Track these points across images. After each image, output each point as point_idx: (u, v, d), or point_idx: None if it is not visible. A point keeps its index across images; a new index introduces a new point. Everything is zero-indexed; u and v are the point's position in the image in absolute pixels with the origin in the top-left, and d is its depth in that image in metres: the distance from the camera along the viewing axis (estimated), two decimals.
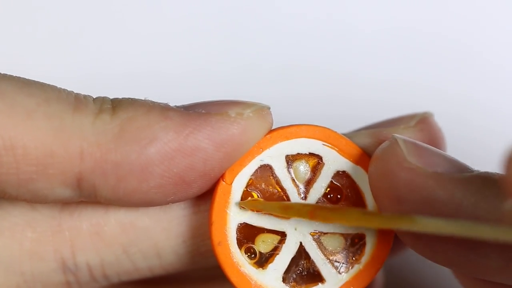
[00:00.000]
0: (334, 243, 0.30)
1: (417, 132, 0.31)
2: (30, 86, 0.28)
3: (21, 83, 0.28)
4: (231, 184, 0.29)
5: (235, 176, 0.29)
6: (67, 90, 0.28)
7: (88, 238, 0.30)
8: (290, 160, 0.30)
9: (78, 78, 0.44)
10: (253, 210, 0.30)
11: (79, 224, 0.30)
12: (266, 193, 0.30)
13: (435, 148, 0.29)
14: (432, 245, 0.28)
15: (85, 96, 0.28)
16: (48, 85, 0.28)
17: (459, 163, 0.28)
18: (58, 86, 0.29)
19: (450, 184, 0.27)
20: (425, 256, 0.29)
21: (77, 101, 0.28)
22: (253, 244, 0.30)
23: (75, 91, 0.29)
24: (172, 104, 0.29)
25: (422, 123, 0.31)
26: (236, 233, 0.30)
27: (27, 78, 0.28)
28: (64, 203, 0.30)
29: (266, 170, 0.30)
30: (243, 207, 0.29)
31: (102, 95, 0.29)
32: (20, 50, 0.45)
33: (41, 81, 0.28)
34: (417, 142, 0.29)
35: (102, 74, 0.44)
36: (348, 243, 0.30)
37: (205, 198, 0.30)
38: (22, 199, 0.28)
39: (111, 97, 0.29)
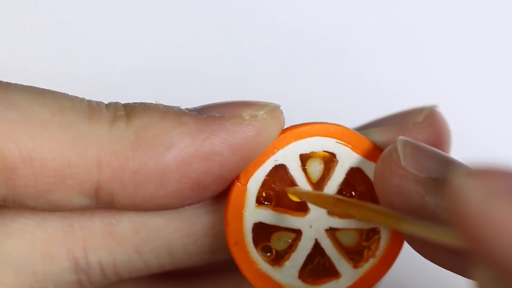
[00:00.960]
0: (348, 238, 0.30)
1: (426, 127, 0.31)
2: (43, 96, 0.27)
3: (34, 93, 0.27)
4: (246, 185, 0.29)
5: (250, 177, 0.29)
6: (79, 97, 0.28)
7: (100, 238, 0.30)
8: (304, 159, 0.30)
9: (81, 76, 0.44)
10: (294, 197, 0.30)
11: (91, 224, 0.30)
12: (281, 192, 0.30)
13: (438, 151, 0.28)
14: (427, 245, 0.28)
15: (98, 103, 0.28)
16: (61, 93, 0.28)
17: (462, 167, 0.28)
18: (69, 91, 0.28)
19: (441, 191, 0.27)
20: (420, 253, 0.29)
21: (91, 109, 0.28)
22: (269, 242, 0.30)
23: (77, 91, 0.29)
24: (183, 106, 0.29)
25: (430, 117, 0.31)
26: (252, 232, 0.30)
27: (38, 87, 0.28)
28: None
29: (280, 170, 0.30)
30: (260, 206, 0.30)
31: (106, 93, 0.29)
32: (22, 48, 0.45)
33: (52, 90, 0.28)
34: (419, 144, 0.28)
35: (105, 73, 0.44)
36: (362, 238, 0.30)
37: (217, 197, 0.30)
38: (40, 209, 0.28)
39: (118, 96, 0.29)
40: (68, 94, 0.28)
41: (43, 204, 0.28)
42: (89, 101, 0.28)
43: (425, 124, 0.31)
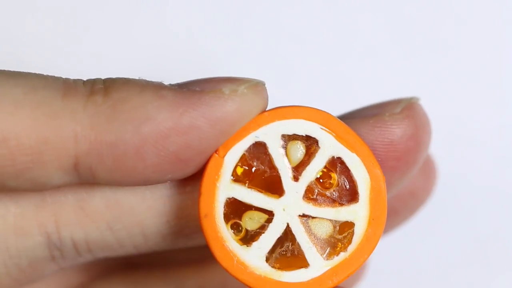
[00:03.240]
0: (321, 229, 0.30)
1: (404, 119, 0.30)
2: (15, 77, 0.28)
3: (5, 75, 0.28)
4: (223, 157, 0.29)
5: (229, 149, 0.29)
6: (54, 76, 0.28)
7: (72, 213, 0.30)
8: (286, 140, 0.30)
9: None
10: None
11: (63, 199, 0.30)
12: (258, 171, 0.30)
13: None
14: None
15: (75, 81, 0.28)
16: (34, 73, 0.28)
17: None
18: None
19: None
20: None
21: (66, 85, 0.28)
22: (240, 220, 0.30)
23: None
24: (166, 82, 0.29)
25: (408, 109, 0.30)
26: (224, 207, 0.29)
27: (10, 70, 0.28)
28: None
29: (260, 147, 0.30)
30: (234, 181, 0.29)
31: None
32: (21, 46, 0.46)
33: (26, 71, 0.28)
34: None
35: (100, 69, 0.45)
36: (336, 230, 0.30)
37: (193, 179, 0.30)
38: (23, 189, 0.28)
39: None
40: (42, 74, 0.28)
41: (24, 184, 0.28)
42: (65, 79, 0.28)
43: (403, 115, 0.30)
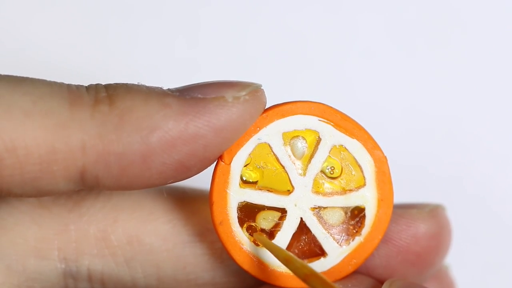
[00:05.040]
0: (334, 217, 0.30)
1: (429, 217, 0.32)
2: (22, 85, 0.27)
3: (13, 83, 0.27)
4: (229, 164, 0.30)
5: (234, 156, 0.30)
6: (58, 82, 0.28)
7: (93, 243, 0.31)
8: (287, 137, 0.30)
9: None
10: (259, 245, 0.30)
11: (86, 227, 0.31)
12: (265, 171, 0.30)
13: None
14: None
15: (77, 87, 0.28)
16: (39, 80, 0.28)
17: None
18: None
19: None
20: None
21: (71, 94, 0.28)
22: (254, 222, 0.30)
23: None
24: (165, 87, 0.29)
25: (435, 211, 0.32)
26: (237, 212, 0.30)
27: (15, 75, 0.28)
28: (75, 203, 0.31)
29: (264, 148, 0.30)
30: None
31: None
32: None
33: (30, 77, 0.28)
34: None
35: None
36: (348, 216, 0.31)
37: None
38: (27, 196, 0.28)
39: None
40: (46, 80, 0.28)
41: (30, 191, 0.28)
42: (69, 86, 0.28)
43: (429, 214, 0.32)
